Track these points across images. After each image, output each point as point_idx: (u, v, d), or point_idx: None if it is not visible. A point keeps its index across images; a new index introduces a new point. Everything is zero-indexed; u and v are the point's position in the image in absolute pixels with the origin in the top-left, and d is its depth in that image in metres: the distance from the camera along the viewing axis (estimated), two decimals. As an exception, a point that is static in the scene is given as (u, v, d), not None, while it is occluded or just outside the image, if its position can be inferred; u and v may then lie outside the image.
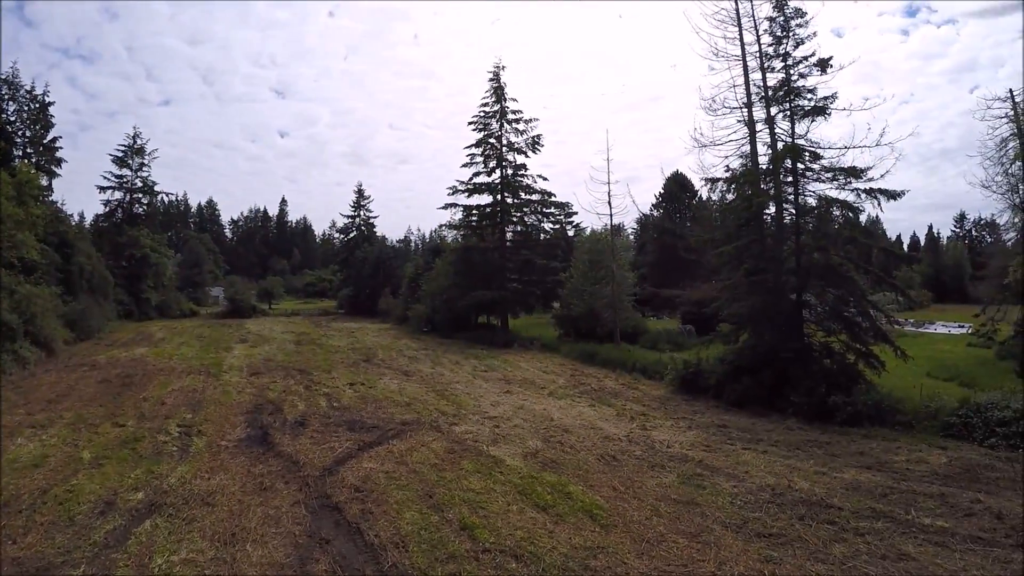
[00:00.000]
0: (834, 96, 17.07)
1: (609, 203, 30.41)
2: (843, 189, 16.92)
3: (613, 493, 9.83)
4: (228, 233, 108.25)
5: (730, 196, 19.22)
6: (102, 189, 49.49)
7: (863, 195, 16.47)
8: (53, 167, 36.98)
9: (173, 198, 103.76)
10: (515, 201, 37.34)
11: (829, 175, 17.01)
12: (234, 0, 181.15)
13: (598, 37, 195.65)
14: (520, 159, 37.01)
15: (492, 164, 37.09)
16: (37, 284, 25.90)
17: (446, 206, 38.02)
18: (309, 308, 65.46)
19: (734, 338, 18.64)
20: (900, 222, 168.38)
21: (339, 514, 9.06)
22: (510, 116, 36.76)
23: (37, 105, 35.28)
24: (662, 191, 55.23)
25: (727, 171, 18.92)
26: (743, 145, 18.39)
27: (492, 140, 36.94)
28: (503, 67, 36.82)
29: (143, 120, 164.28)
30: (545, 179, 38.24)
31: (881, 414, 14.13)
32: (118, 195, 50.31)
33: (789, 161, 17.57)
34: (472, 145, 37.51)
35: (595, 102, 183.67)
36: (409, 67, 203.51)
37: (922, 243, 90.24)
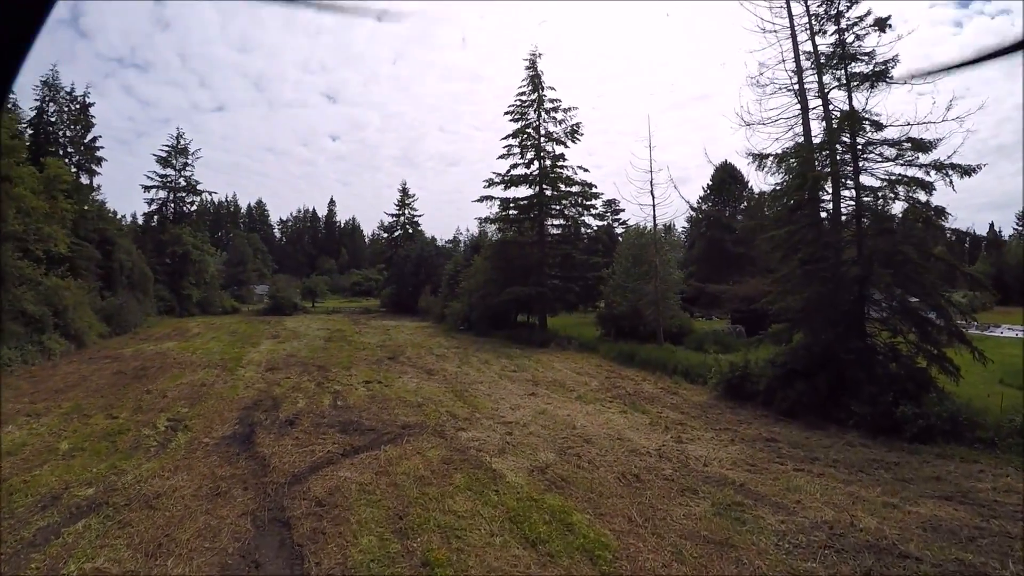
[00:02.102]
0: (895, 59, 15.17)
1: (652, 193, 28.88)
2: (909, 166, 15.01)
3: (627, 526, 8.19)
4: (277, 233, 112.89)
5: (776, 177, 17.59)
6: (146, 188, 52.44)
7: (932, 171, 14.44)
8: (93, 166, 39.25)
9: (223, 199, 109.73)
10: (554, 193, 36.51)
11: (893, 150, 15.10)
12: (282, 4, 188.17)
13: (645, 36, 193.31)
14: (559, 149, 36.46)
15: (530, 155, 36.47)
16: (64, 277, 26.92)
17: (482, 199, 37.48)
18: (351, 306, 66.64)
19: (786, 337, 16.87)
20: (956, 221, 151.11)
21: (287, 532, 8.00)
22: (548, 105, 36.14)
23: (78, 106, 37.58)
24: (710, 182, 53.27)
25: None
26: (794, 124, 17.06)
27: (530, 130, 36.34)
28: (539, 55, 36.45)
29: (197, 126, 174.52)
30: (586, 170, 37.16)
31: (957, 429, 12.35)
32: (162, 194, 53.18)
33: (847, 136, 15.80)
34: (509, 136, 36.98)
35: (644, 102, 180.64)
36: (456, 70, 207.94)
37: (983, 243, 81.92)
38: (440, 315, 43.31)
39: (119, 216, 53.46)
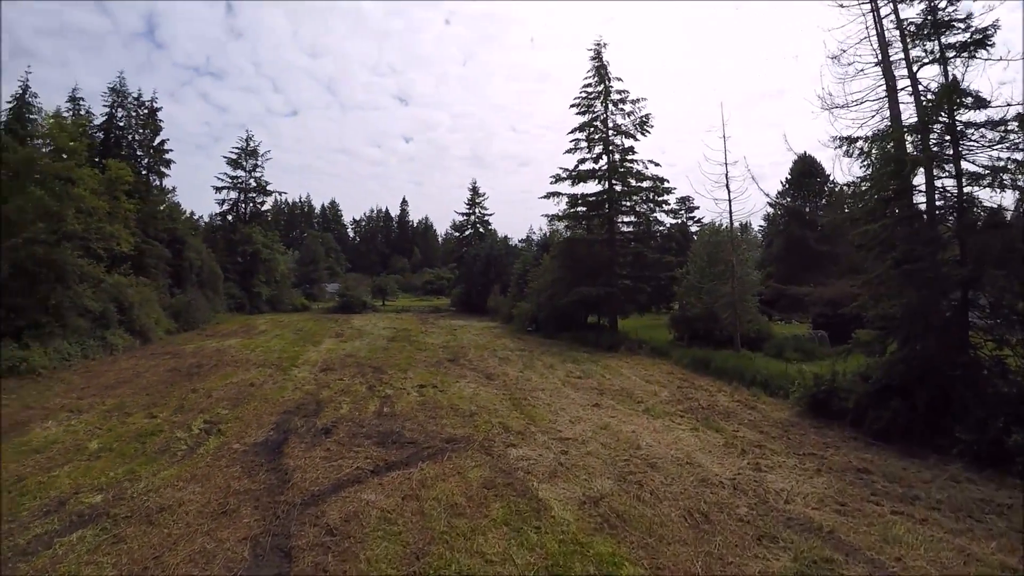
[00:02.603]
0: (995, 25, 13.10)
1: (727, 186, 26.42)
2: (1016, 149, 12.84)
3: (693, 587, 6.46)
4: (351, 232, 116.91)
5: (862, 165, 15.67)
6: (217, 189, 54.87)
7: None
8: (162, 168, 41.23)
9: (297, 199, 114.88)
10: (624, 189, 34.90)
11: (995, 132, 12.96)
12: (350, 3, 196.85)
13: (714, 31, 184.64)
14: (628, 142, 34.80)
15: (598, 149, 34.99)
16: (127, 275, 28.09)
17: (548, 195, 36.12)
18: (421, 305, 67.26)
19: (879, 348, 14.85)
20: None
21: (287, 564, 6.92)
22: (615, 96, 34.56)
23: (146, 111, 39.64)
24: (788, 176, 49.71)
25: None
26: (880, 107, 15.38)
27: (597, 123, 34.94)
28: (604, 44, 34.86)
29: (271, 130, 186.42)
30: (657, 164, 35.01)
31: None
32: (233, 195, 55.45)
33: (944, 116, 13.76)
34: (575, 129, 35.66)
35: (713, 99, 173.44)
36: (525, 70, 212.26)
37: None
38: (508, 315, 42.78)
39: (197, 217, 56.95)
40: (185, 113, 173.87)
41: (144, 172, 37.81)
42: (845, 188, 17.59)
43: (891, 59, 15.18)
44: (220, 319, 41.55)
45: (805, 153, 46.37)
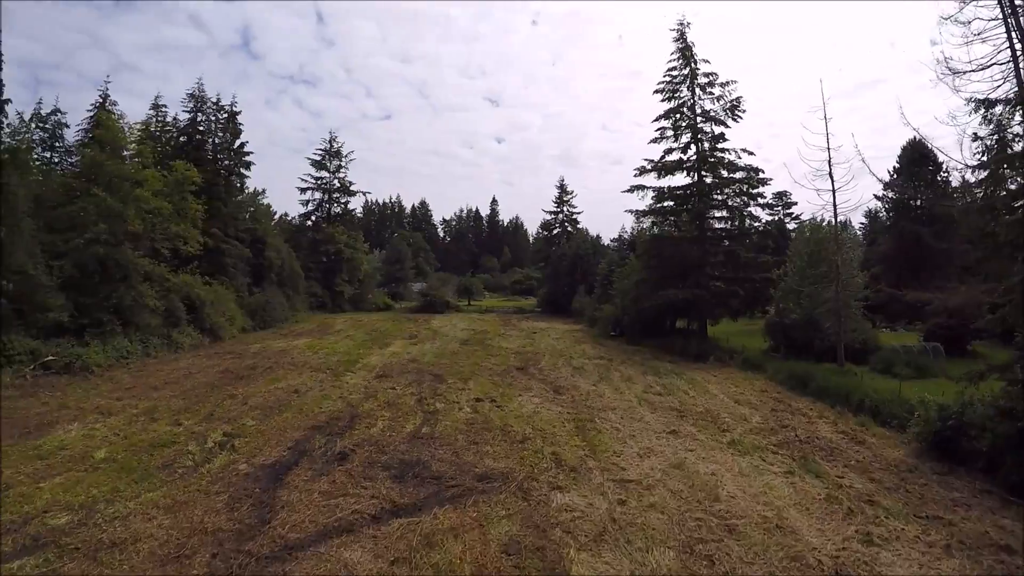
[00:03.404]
0: None
1: (830, 174, 23.03)
2: None
3: None
4: (441, 232, 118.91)
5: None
6: (302, 190, 56.58)
7: None
8: (242, 170, 42.62)
9: (387, 200, 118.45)
10: (715, 180, 32.08)
11: None
12: (437, 5, 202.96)
13: (808, 21, 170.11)
14: (718, 129, 32.07)
15: (685, 138, 32.39)
16: (193, 273, 28.83)
17: (631, 189, 33.61)
18: (507, 306, 66.61)
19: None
20: None
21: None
22: (701, 79, 31.95)
23: (225, 115, 41.15)
24: (896, 165, 43.38)
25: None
26: (1008, 74, 12.81)
27: (683, 109, 32.44)
28: (688, 23, 32.23)
29: (365, 133, 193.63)
30: (751, 152, 31.71)
31: None
32: (317, 195, 56.97)
33: None
34: (660, 117, 33.15)
35: (809, 91, 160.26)
36: (613, 68, 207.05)
37: None
38: (592, 318, 41.12)
39: (289, 217, 59.38)
40: (281, 119, 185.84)
41: (225, 174, 39.18)
42: (968, 172, 14.06)
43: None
44: (300, 318, 42.47)
45: (915, 138, 40.85)
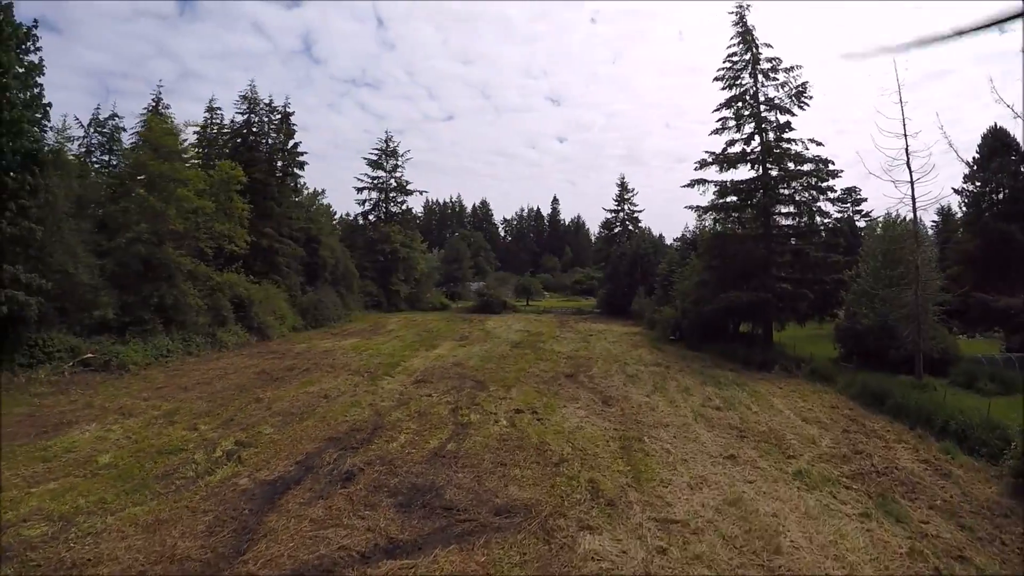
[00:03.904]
0: None
1: (908, 164, 20.28)
2: None
3: None
4: (502, 232, 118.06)
5: None
6: (358, 190, 56.65)
7: None
8: (296, 170, 42.97)
9: (448, 199, 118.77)
10: (780, 173, 29.60)
11: None
12: (495, 6, 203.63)
13: (872, 9, 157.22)
14: (783, 118, 29.74)
15: (748, 128, 30.10)
16: (238, 272, 28.78)
17: (692, 183, 31.43)
18: (566, 306, 64.96)
19: None
20: None
21: None
22: (764, 65, 29.67)
23: (279, 116, 41.56)
24: (976, 156, 38.33)
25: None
26: None
27: (746, 97, 30.16)
28: (748, 5, 30.01)
29: (428, 135, 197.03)
30: (819, 143, 29.12)
31: None
32: (373, 195, 56.91)
33: None
34: (721, 106, 30.94)
35: (875, 84, 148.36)
36: (675, 65, 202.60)
37: None
38: (651, 321, 39.22)
39: (351, 218, 59.93)
40: (345, 122, 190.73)
41: (279, 174, 39.46)
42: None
43: None
44: (353, 317, 42.37)
45: (995, 126, 37.09)
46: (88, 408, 14.87)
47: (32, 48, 18.69)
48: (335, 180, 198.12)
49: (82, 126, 26.03)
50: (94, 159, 26.74)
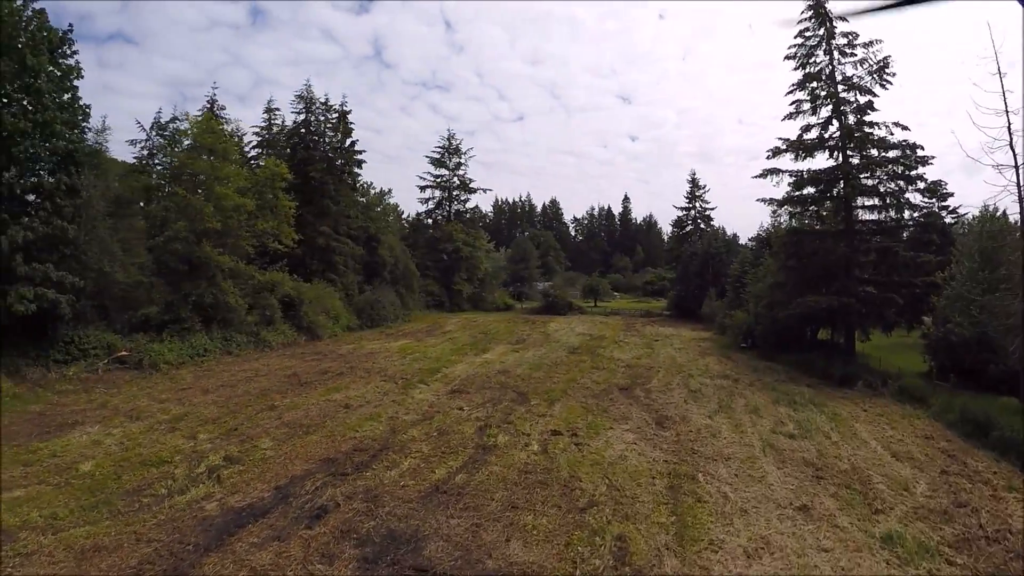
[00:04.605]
0: None
1: (1011, 144, 16.46)
2: None
3: None
4: (572, 231, 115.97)
5: None
6: (421, 188, 55.99)
7: None
8: (354, 168, 42.46)
9: (517, 198, 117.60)
10: (863, 161, 26.11)
11: None
12: (562, 6, 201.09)
13: None
14: (863, 98, 26.29)
15: (825, 111, 26.71)
16: (281, 270, 28.15)
17: (764, 173, 28.05)
18: (635, 308, 62.05)
19: None
20: None
21: None
22: (839, 40, 26.27)
23: (335, 116, 41.30)
24: None
25: None
26: None
27: (821, 77, 26.94)
28: None
29: (499, 135, 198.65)
30: (905, 127, 25.24)
31: None
32: (437, 194, 56.02)
33: None
34: (794, 87, 27.67)
35: (955, 72, 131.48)
36: (746, 60, 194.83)
37: None
38: (721, 325, 36.56)
39: (414, 216, 59.57)
40: (417, 124, 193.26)
41: (337, 172, 39.09)
42: None
43: None
44: (413, 317, 41.58)
45: None
46: (101, 408, 14.39)
47: (68, 52, 18.65)
48: (409, 181, 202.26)
49: (144, 129, 26.19)
50: (156, 161, 26.84)
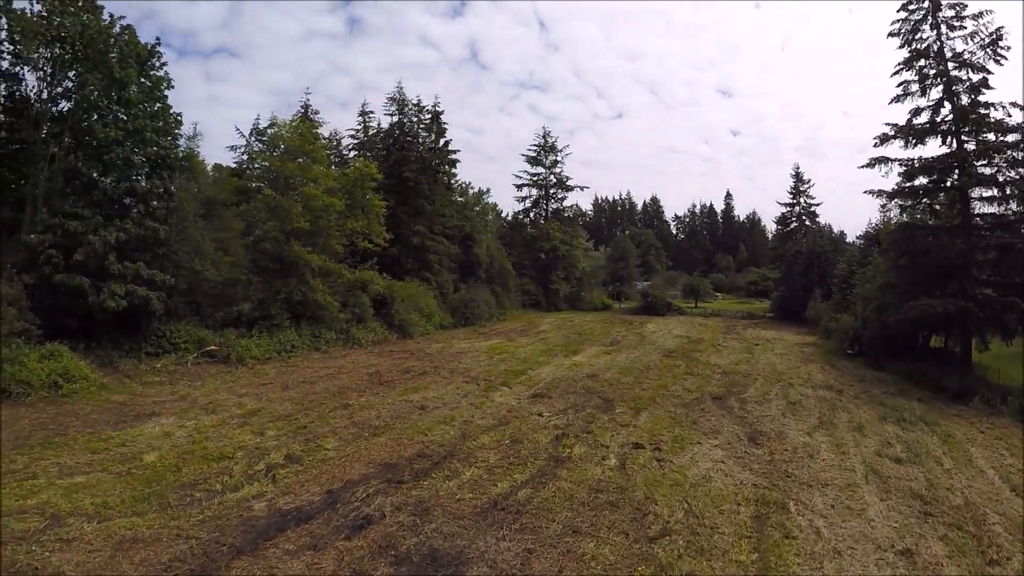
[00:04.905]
0: None
1: None
2: None
3: None
4: (673, 229, 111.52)
5: None
6: (518, 187, 55.26)
7: None
8: (449, 167, 42.54)
9: (617, 196, 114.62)
10: (979, 147, 23.09)
11: None
12: (656, 3, 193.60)
13: None
14: (976, 77, 23.64)
15: (935, 93, 23.85)
16: (372, 269, 28.25)
17: (871, 163, 25.09)
18: (737, 309, 58.64)
19: None
20: None
21: None
22: (946, 12, 23.59)
23: (428, 116, 41.43)
24: None
25: None
26: None
27: (929, 54, 24.34)
28: None
29: (600, 134, 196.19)
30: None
31: None
32: (533, 192, 55.12)
33: None
34: (900, 67, 24.87)
35: None
36: (847, 46, 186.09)
37: None
38: (826, 330, 33.86)
39: (511, 215, 59.43)
40: (516, 124, 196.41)
41: (431, 172, 39.38)
42: None
43: None
44: (508, 316, 41.23)
45: None
46: (180, 400, 14.81)
47: (157, 64, 19.94)
48: (510, 181, 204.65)
49: (243, 135, 27.58)
50: (256, 165, 28.17)
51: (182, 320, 19.16)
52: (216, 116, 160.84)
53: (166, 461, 10.52)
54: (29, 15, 17.43)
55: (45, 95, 18.20)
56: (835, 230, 64.78)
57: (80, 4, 17.97)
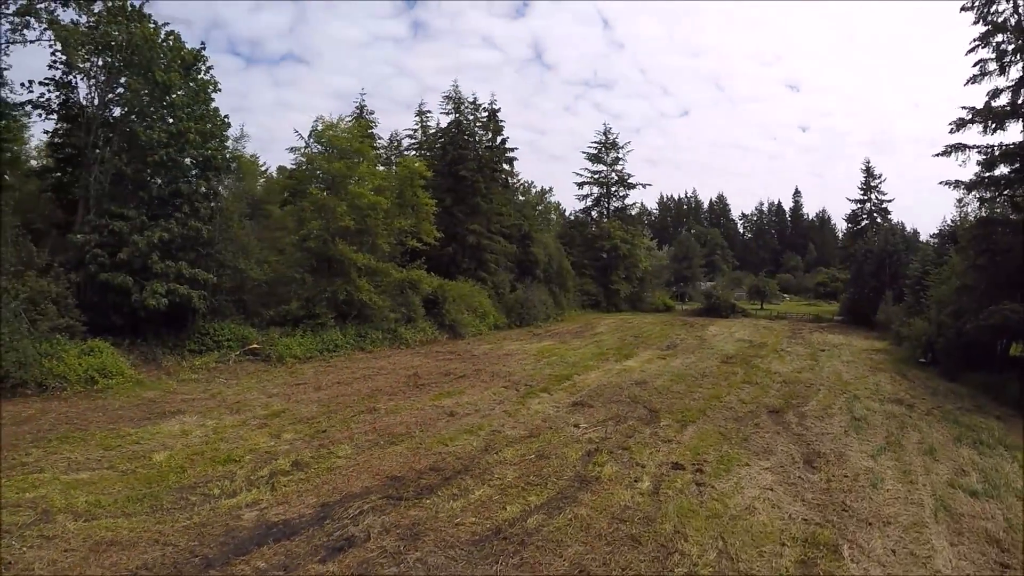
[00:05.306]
0: None
1: None
2: None
3: None
4: (740, 228, 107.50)
5: None
6: (579, 185, 54.38)
7: None
8: (505, 165, 42.20)
9: (682, 195, 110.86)
10: None
11: None
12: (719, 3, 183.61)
13: None
14: None
15: (1016, 72, 21.02)
16: (421, 267, 27.79)
17: (947, 150, 22.31)
18: (805, 311, 55.71)
19: None
20: None
21: None
22: None
23: (486, 114, 41.08)
24: None
25: None
26: None
27: (1007, 28, 21.37)
28: None
29: (665, 131, 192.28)
30: None
31: None
32: (594, 190, 54.14)
33: None
34: (976, 44, 22.18)
35: None
36: (916, 35, 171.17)
37: None
38: (898, 335, 31.39)
39: (572, 214, 58.29)
40: (581, 123, 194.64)
41: (488, 171, 38.84)
42: None
43: None
44: (566, 316, 40.43)
45: None
46: (210, 399, 14.72)
47: (203, 68, 20.30)
48: (573, 179, 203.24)
49: (301, 137, 27.88)
50: (315, 165, 28.42)
51: (227, 318, 19.45)
52: (286, 121, 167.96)
53: (173, 461, 10.26)
54: (74, 26, 18.02)
55: (97, 101, 18.80)
56: (908, 228, 60.50)
57: (128, 12, 18.43)
